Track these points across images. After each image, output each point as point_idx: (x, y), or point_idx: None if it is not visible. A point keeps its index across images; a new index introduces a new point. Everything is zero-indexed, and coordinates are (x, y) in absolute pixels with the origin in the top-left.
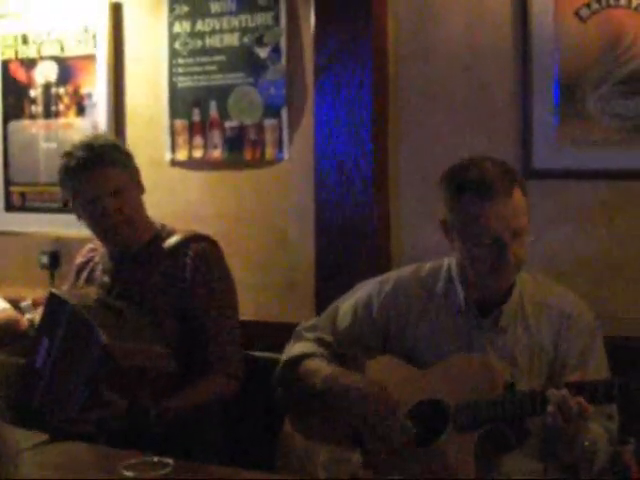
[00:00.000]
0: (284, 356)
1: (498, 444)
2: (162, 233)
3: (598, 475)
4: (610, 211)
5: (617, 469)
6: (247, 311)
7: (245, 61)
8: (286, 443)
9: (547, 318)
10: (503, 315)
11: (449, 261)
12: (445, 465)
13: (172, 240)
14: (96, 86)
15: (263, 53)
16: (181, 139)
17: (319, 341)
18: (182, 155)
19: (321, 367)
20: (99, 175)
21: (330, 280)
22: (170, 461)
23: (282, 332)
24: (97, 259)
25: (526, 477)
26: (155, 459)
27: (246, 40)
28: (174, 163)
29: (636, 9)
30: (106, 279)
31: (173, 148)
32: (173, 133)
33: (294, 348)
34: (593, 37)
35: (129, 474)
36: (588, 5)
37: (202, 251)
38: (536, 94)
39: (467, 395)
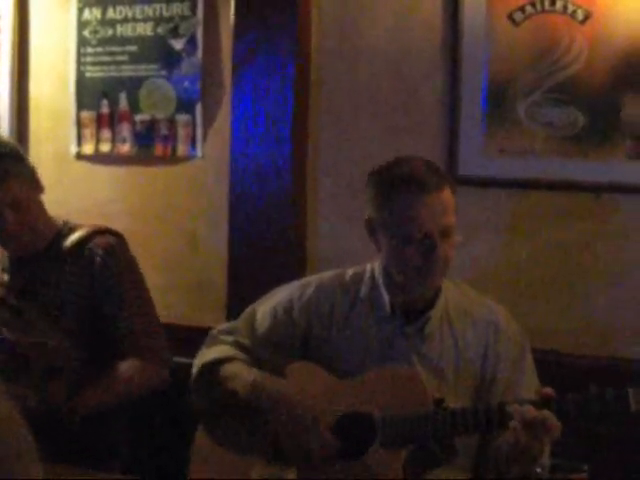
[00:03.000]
0: (200, 360)
1: (426, 461)
2: (64, 230)
3: None
4: (535, 221)
5: None
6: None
7: (159, 52)
8: (199, 452)
9: (473, 328)
10: (429, 322)
11: (372, 266)
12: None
13: (75, 236)
14: None
15: (178, 45)
16: (88, 132)
17: (237, 345)
18: (88, 149)
19: (242, 372)
20: None
21: (243, 282)
22: None
23: (192, 335)
24: None
25: None
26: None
27: (160, 30)
28: (80, 157)
29: (572, 15)
30: (6, 278)
31: (79, 141)
32: (79, 125)
33: (210, 352)
34: (526, 42)
35: None
36: (522, 9)
37: (108, 244)
38: (464, 99)
39: (395, 408)
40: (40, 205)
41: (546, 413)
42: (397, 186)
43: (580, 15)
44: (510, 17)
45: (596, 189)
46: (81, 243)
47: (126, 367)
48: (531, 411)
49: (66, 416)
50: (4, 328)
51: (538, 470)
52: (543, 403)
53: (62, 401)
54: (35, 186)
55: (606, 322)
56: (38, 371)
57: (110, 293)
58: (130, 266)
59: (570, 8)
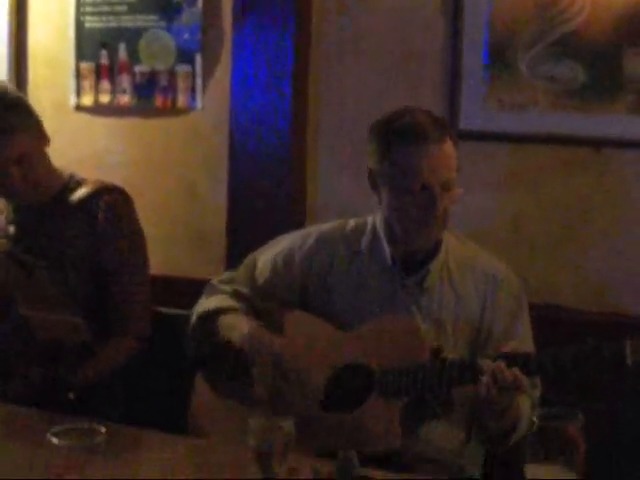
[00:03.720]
0: (198, 309)
1: (423, 413)
2: (70, 184)
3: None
4: (535, 175)
5: (561, 446)
6: (154, 265)
7: (158, 2)
8: (198, 403)
9: (473, 280)
10: (429, 274)
11: (374, 218)
12: (371, 431)
13: (82, 192)
14: None
15: None
16: (87, 83)
17: (236, 294)
18: (88, 100)
19: (240, 323)
20: (1, 144)
21: (242, 233)
22: (103, 429)
23: (191, 288)
24: None
25: (447, 444)
26: (86, 425)
27: None
28: (79, 108)
29: None
30: (12, 230)
31: (78, 92)
32: (79, 76)
33: (209, 301)
34: None
35: (58, 441)
36: None
37: (113, 204)
38: (465, 52)
39: (393, 360)
40: (46, 157)
41: (516, 373)
42: (399, 137)
43: None
44: None
45: (596, 143)
46: (87, 200)
47: (119, 343)
48: (501, 368)
49: (65, 391)
50: (16, 292)
51: (534, 419)
52: (514, 358)
53: (63, 377)
54: (41, 138)
55: (604, 276)
56: (43, 347)
57: (110, 256)
58: (133, 229)
59: None
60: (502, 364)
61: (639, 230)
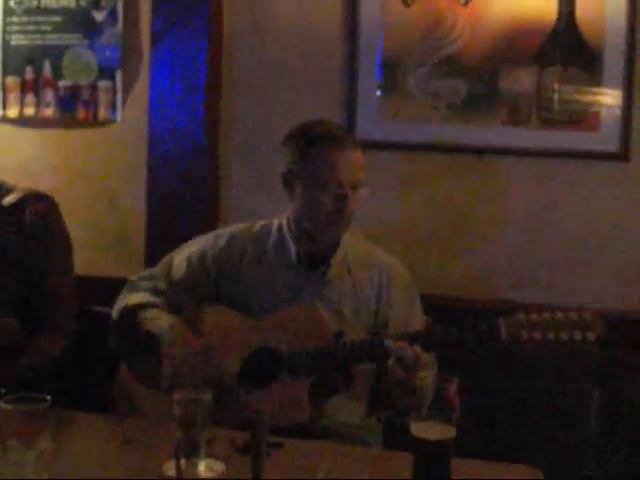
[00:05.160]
0: (120, 303)
1: (327, 389)
2: (0, 190)
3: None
4: (425, 180)
5: (440, 405)
6: (77, 266)
7: (81, 23)
8: (121, 391)
9: (368, 275)
10: (330, 269)
11: (279, 221)
12: (281, 406)
13: (11, 197)
14: None
15: (99, 16)
16: (12, 96)
17: (155, 290)
18: (13, 113)
19: (160, 316)
20: None
21: (160, 236)
22: (48, 397)
23: (112, 286)
24: None
25: (350, 418)
26: (32, 395)
27: (82, 2)
28: (4, 120)
29: None
30: None
31: (4, 105)
32: (4, 90)
33: (130, 298)
34: (415, 21)
35: (7, 407)
36: None
37: (42, 211)
38: (361, 70)
39: (299, 343)
40: None
41: (417, 349)
42: (319, 140)
43: None
44: None
45: (477, 151)
46: (16, 205)
47: (46, 342)
48: (404, 347)
49: None
50: None
51: (419, 383)
52: (414, 335)
53: None
54: None
55: (485, 267)
56: None
57: (38, 261)
58: (61, 235)
59: None
60: (404, 342)
61: (514, 227)
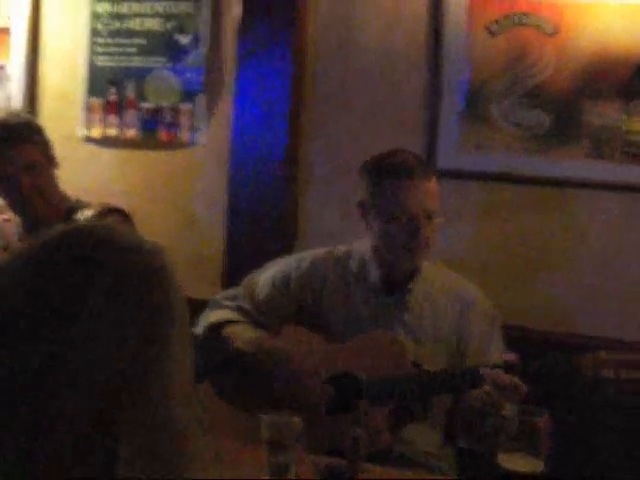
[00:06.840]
0: (205, 321)
1: (406, 417)
2: (77, 206)
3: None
4: (504, 211)
5: (529, 438)
6: None
7: (165, 46)
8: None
9: (449, 304)
10: (411, 294)
11: (359, 244)
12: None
13: (87, 213)
14: (11, 58)
15: (184, 40)
16: (96, 117)
17: (239, 309)
18: (96, 133)
19: (246, 331)
20: (13, 152)
21: (238, 257)
22: None
23: (191, 306)
24: (12, 229)
25: (426, 446)
26: None
27: (168, 26)
28: (88, 140)
29: (542, 29)
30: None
31: (87, 125)
32: (88, 110)
33: (214, 315)
34: (501, 51)
35: None
36: (497, 21)
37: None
38: (444, 99)
39: (378, 370)
40: (54, 177)
41: (515, 379)
42: (388, 173)
43: (549, 29)
44: (487, 28)
45: (558, 183)
46: (93, 219)
47: None
48: (501, 375)
49: None
50: None
51: (504, 413)
52: (508, 367)
53: None
54: (50, 157)
55: (564, 302)
56: None
57: None
58: None
59: (540, 22)
60: (499, 371)
61: (593, 261)
